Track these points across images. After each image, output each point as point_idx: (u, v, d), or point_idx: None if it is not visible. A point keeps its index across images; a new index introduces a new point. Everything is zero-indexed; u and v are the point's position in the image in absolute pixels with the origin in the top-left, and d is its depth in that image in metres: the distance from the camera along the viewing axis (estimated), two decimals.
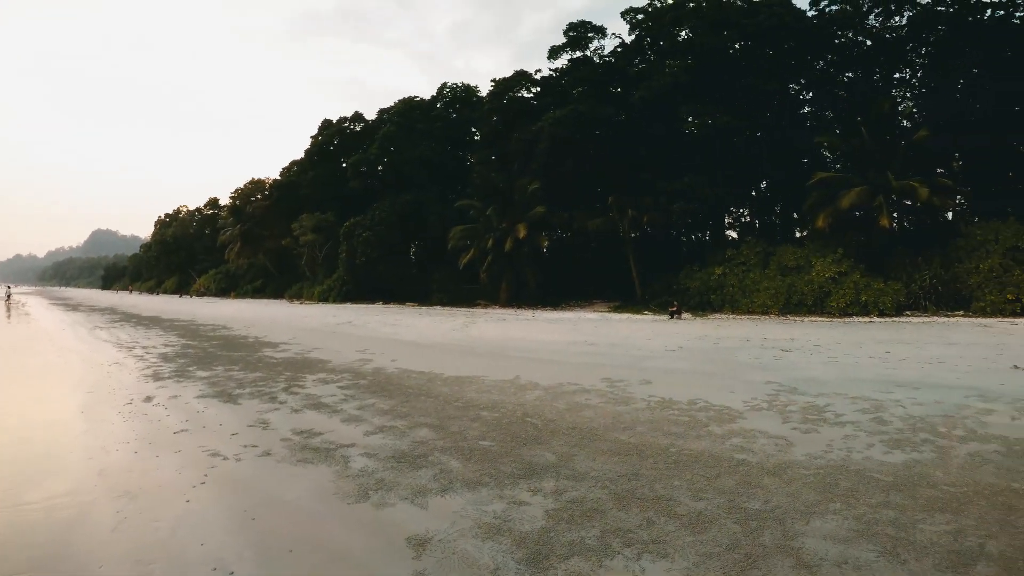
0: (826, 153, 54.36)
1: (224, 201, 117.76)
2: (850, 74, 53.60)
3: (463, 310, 55.69)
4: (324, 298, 77.12)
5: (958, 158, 51.54)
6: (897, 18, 53.75)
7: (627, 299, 53.83)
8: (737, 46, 53.97)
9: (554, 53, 63.31)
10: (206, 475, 8.98)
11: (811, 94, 56.31)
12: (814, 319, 39.25)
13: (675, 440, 10.71)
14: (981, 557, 6.29)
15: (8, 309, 65.58)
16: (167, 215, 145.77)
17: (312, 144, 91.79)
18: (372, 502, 7.86)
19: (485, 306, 59.62)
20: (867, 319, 37.95)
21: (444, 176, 74.18)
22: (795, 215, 56.44)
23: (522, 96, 65.80)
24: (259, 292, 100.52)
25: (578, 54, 62.74)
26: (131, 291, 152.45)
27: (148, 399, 14.63)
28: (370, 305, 66.49)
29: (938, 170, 46.65)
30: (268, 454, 10.04)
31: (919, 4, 52.38)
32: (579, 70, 60.61)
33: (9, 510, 7.81)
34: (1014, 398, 13.72)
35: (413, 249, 77.42)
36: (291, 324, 39.54)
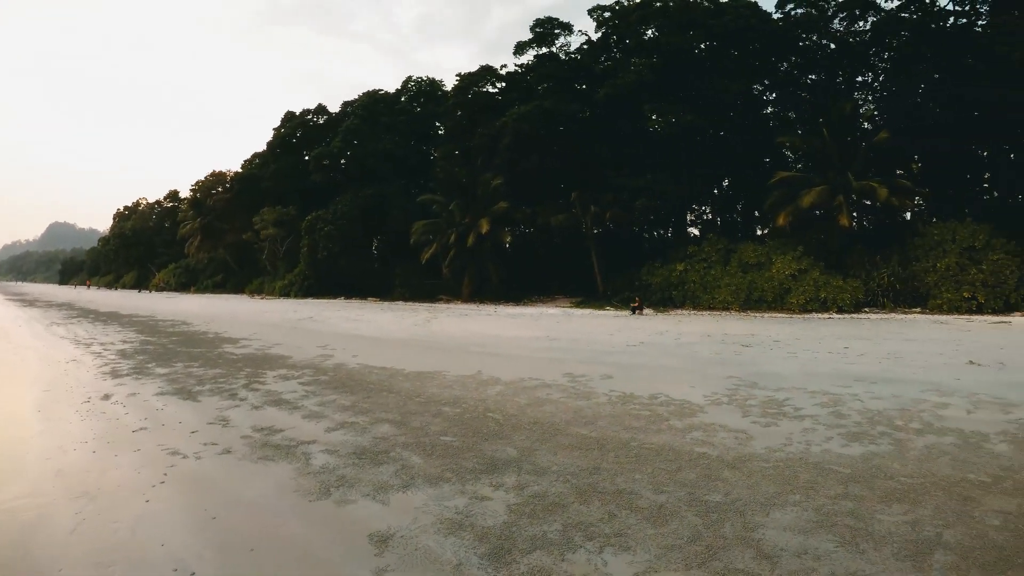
0: (788, 153, 54.70)
1: (184, 194, 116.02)
2: (813, 76, 53.95)
3: (425, 305, 55.59)
4: (285, 293, 76.37)
5: (917, 160, 52.33)
6: (861, 23, 54.38)
7: (589, 295, 53.89)
8: (703, 46, 53.98)
9: (520, 49, 62.86)
10: (166, 474, 8.83)
11: (775, 95, 56.67)
12: (774, 315, 39.47)
13: (636, 434, 10.77)
14: (938, 546, 6.37)
15: None
16: (126, 208, 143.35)
17: (274, 136, 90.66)
18: (334, 499, 7.79)
19: (447, 301, 59.33)
20: (826, 315, 38.21)
21: (407, 170, 73.31)
22: (756, 213, 56.74)
23: (487, 91, 65.21)
24: (219, 287, 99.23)
25: (544, 50, 62.30)
26: (89, 286, 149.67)
27: (106, 397, 14.33)
28: (332, 300, 66.13)
29: (897, 171, 47.31)
30: (228, 452, 9.90)
31: (883, 10, 53.07)
32: (545, 66, 60.30)
33: None
34: (969, 392, 13.91)
35: (375, 244, 76.55)
36: (252, 319, 39.14)
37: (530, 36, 62.49)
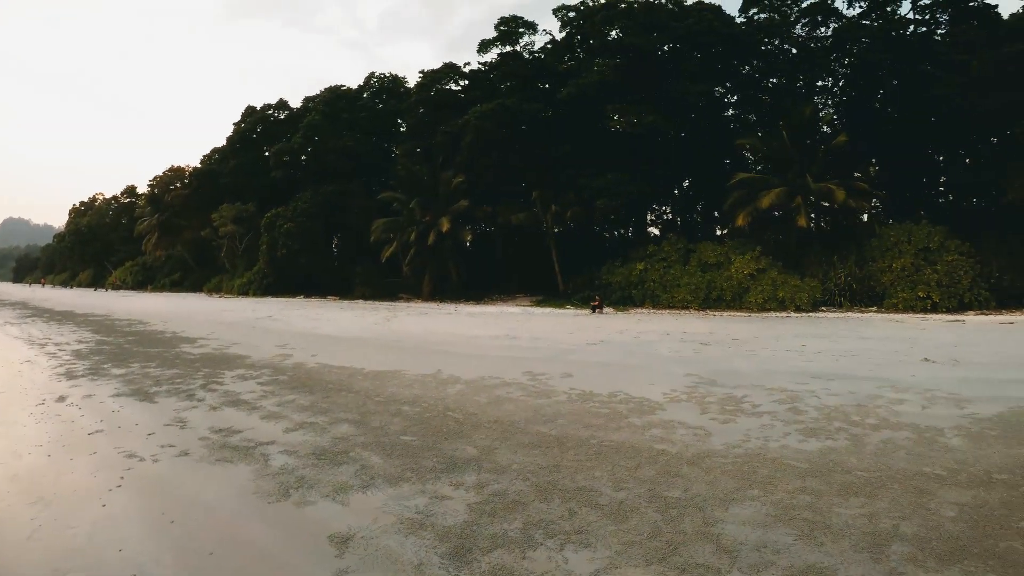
0: (748, 155, 54.84)
1: (142, 189, 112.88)
2: (774, 80, 54.25)
3: (385, 304, 55.18)
4: (244, 291, 75.01)
5: (875, 163, 53.23)
6: (822, 29, 55.36)
7: (550, 293, 53.83)
8: (666, 48, 53.90)
9: (484, 47, 62.40)
10: (123, 477, 8.63)
11: (736, 97, 56.89)
12: (733, 314, 39.70)
13: (596, 432, 10.83)
14: (895, 538, 6.48)
15: None
16: (82, 203, 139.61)
17: (234, 131, 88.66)
18: (293, 500, 7.71)
19: (407, 300, 58.88)
20: (784, 314, 38.49)
21: (369, 168, 72.37)
22: (716, 213, 56.92)
23: (450, 89, 64.46)
24: (177, 285, 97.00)
25: (508, 49, 61.77)
26: (44, 284, 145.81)
27: (61, 399, 13.98)
28: (291, 299, 65.21)
29: (855, 174, 47.75)
30: (186, 454, 9.74)
31: (844, 17, 54.11)
32: (508, 65, 59.95)
33: None
34: (924, 388, 14.21)
35: (335, 241, 75.28)
36: (210, 318, 38.48)
37: (494, 34, 62.27)
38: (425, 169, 60.11)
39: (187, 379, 16.38)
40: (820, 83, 55.99)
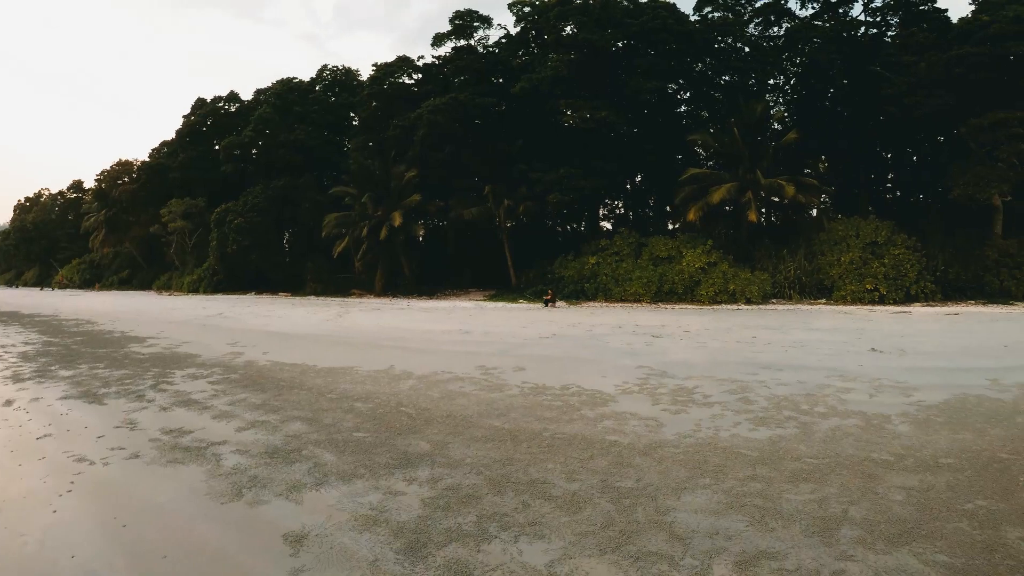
0: (700, 150, 55.19)
1: (89, 184, 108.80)
2: (727, 77, 54.27)
3: (337, 300, 54.80)
4: (194, 289, 73.28)
5: (824, 160, 54.24)
6: (775, 28, 56.11)
7: (502, 288, 53.71)
8: (620, 44, 53.73)
9: (438, 40, 61.80)
10: (73, 482, 8.34)
11: (688, 94, 57.08)
12: (684, 307, 40.08)
13: (548, 424, 10.80)
14: (845, 522, 6.59)
15: None
16: (27, 199, 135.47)
17: (184, 124, 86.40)
18: (246, 500, 7.57)
19: (360, 295, 58.33)
20: (735, 307, 39.12)
21: (321, 162, 71.28)
22: (668, 208, 56.94)
23: (403, 82, 63.46)
24: (126, 283, 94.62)
25: (463, 43, 61.20)
26: None
27: (8, 403, 13.45)
28: (242, 296, 64.09)
29: (805, 170, 48.53)
30: (137, 456, 9.44)
31: (797, 17, 54.82)
32: (462, 59, 59.49)
33: None
34: (872, 377, 14.48)
35: (287, 237, 73.97)
36: (159, 317, 37.63)
37: (449, 28, 61.90)
38: (377, 163, 59.23)
39: (137, 380, 15.89)
40: (772, 81, 56.60)
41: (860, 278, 39.53)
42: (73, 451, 9.79)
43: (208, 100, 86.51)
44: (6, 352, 22.42)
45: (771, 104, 54.88)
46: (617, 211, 65.00)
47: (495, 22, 62.01)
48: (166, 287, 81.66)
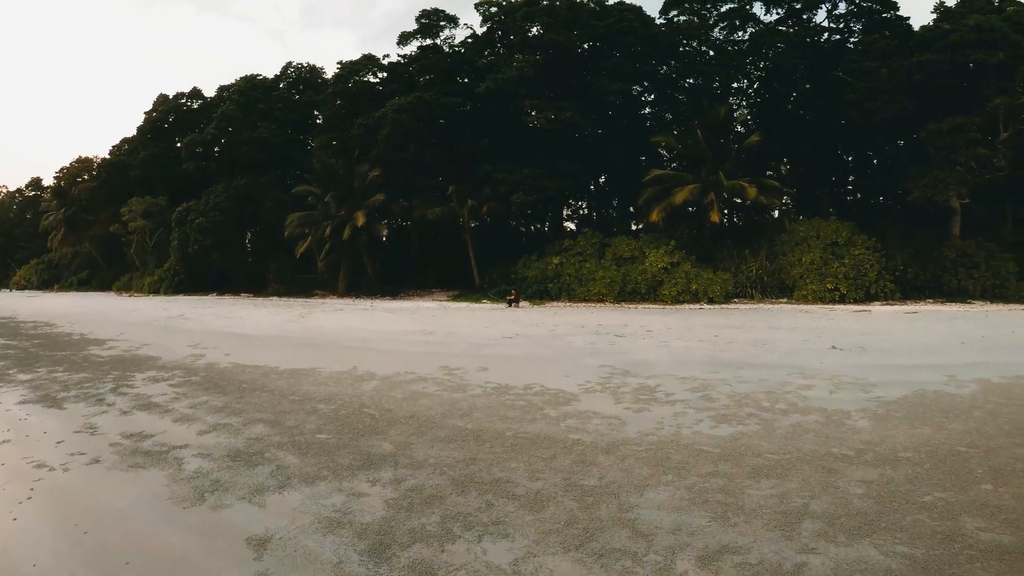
0: (663, 152, 55.35)
1: (48, 181, 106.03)
2: (691, 80, 54.36)
3: (300, 300, 54.01)
4: (155, 290, 71.45)
5: (786, 162, 54.95)
6: (740, 33, 56.60)
7: (466, 288, 53.40)
8: (586, 46, 53.61)
9: (404, 39, 61.21)
10: (32, 489, 8.14)
11: (653, 96, 57.36)
12: (647, 306, 40.18)
13: (512, 424, 10.78)
14: (806, 516, 6.66)
15: None
16: None
17: (145, 121, 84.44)
18: (208, 504, 7.47)
19: (323, 296, 57.51)
20: (698, 306, 39.37)
21: (284, 160, 70.00)
22: (631, 209, 56.92)
23: (368, 81, 62.88)
24: (85, 284, 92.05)
25: (429, 42, 60.60)
26: None
27: None
28: (204, 296, 62.82)
29: (767, 172, 49.11)
30: (97, 461, 9.21)
31: (761, 22, 55.38)
32: (428, 58, 59.01)
33: None
34: (832, 374, 14.64)
35: (249, 237, 72.84)
36: (119, 319, 36.75)
37: (415, 27, 61.56)
38: (341, 162, 58.43)
39: (96, 383, 15.45)
40: (736, 85, 57.32)
41: (821, 278, 40.09)
42: (32, 457, 9.53)
43: (170, 96, 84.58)
44: None
45: (735, 107, 55.27)
46: (581, 211, 65.26)
47: (462, 22, 61.84)
48: (126, 288, 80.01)
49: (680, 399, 12.34)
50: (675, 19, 56.43)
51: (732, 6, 56.04)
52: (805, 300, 39.70)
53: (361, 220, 52.95)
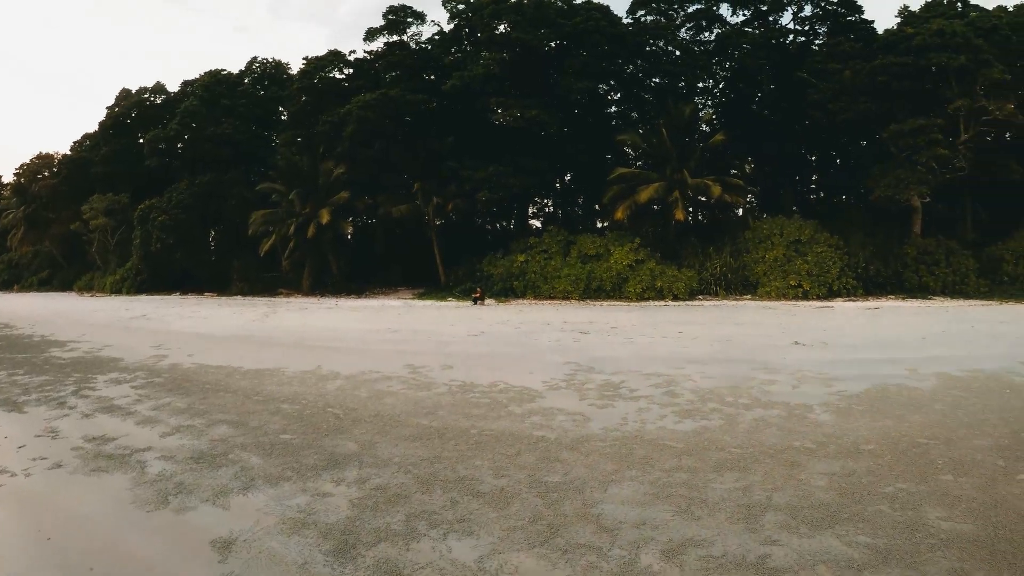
0: (629, 150, 55.28)
1: (7, 178, 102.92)
2: (657, 80, 54.52)
3: (264, 299, 53.06)
4: (117, 289, 69.33)
5: (751, 161, 55.45)
6: (707, 33, 57.00)
7: (432, 286, 52.88)
8: (553, 44, 53.38)
9: (371, 35, 60.25)
10: None
11: (619, 95, 57.60)
12: (613, 303, 39.96)
13: (476, 422, 10.82)
14: (769, 508, 6.77)
15: None
16: None
17: (107, 116, 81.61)
18: (172, 507, 7.40)
19: (287, 295, 56.43)
20: (662, 303, 39.47)
21: (248, 157, 68.58)
22: (597, 207, 57.20)
23: (334, 77, 61.52)
24: (46, 284, 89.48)
25: (395, 38, 59.75)
26: None
27: None
28: (167, 296, 61.45)
29: (732, 171, 49.44)
30: (59, 466, 9.11)
31: (728, 23, 55.82)
32: (395, 54, 58.24)
33: None
34: (795, 369, 14.78)
35: (213, 235, 71.16)
36: (81, 319, 36.01)
37: (382, 23, 61.12)
38: (306, 159, 57.28)
39: (58, 386, 15.26)
40: (701, 84, 57.48)
41: (784, 274, 40.51)
42: None
43: (133, 91, 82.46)
44: None
45: (700, 106, 55.27)
46: (546, 209, 65.15)
47: (429, 18, 61.36)
48: (88, 288, 78.20)
49: (644, 395, 12.39)
50: (642, 19, 56.39)
51: (699, 7, 56.38)
52: (769, 297, 40.02)
53: (326, 218, 52.38)
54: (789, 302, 37.88)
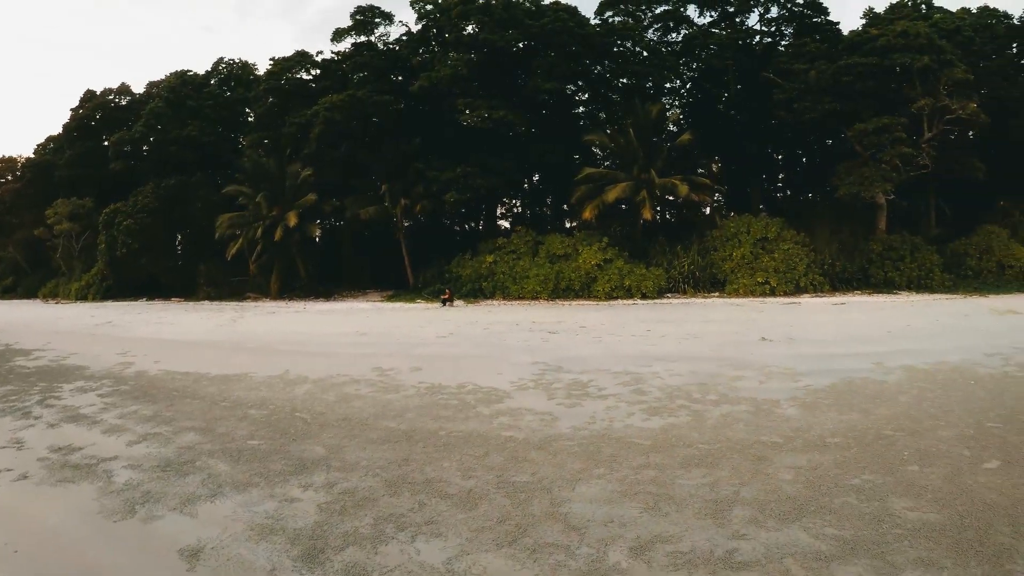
0: (596, 151, 55.56)
1: None
2: (625, 80, 54.55)
3: (232, 304, 51.92)
4: (83, 296, 67.30)
5: (717, 160, 55.78)
6: (674, 34, 57.16)
7: (400, 288, 52.21)
8: (521, 45, 53.11)
9: (339, 35, 59.56)
10: None
11: (587, 95, 57.64)
12: (581, 303, 40.03)
13: (444, 423, 10.83)
14: (736, 503, 6.84)
15: None
16: None
17: (72, 118, 79.40)
18: (139, 517, 7.31)
19: (255, 299, 55.35)
20: (631, 302, 39.54)
21: (215, 160, 67.01)
22: (565, 207, 56.91)
23: (301, 78, 60.64)
24: (9, 291, 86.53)
25: (363, 39, 59.05)
26: None
27: None
28: (133, 302, 59.64)
29: (699, 170, 49.71)
30: (25, 477, 9.00)
31: (695, 24, 56.09)
32: (362, 55, 57.70)
33: None
34: (762, 365, 14.99)
35: (179, 239, 69.62)
36: (46, 327, 35.33)
37: (350, 23, 60.89)
38: (272, 161, 56.29)
39: (22, 395, 15.04)
40: (669, 85, 57.62)
41: (752, 272, 40.92)
42: None
43: (98, 93, 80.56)
44: None
45: (667, 106, 55.53)
46: (515, 210, 64.95)
47: (397, 19, 60.54)
48: (52, 294, 76.49)
49: (612, 393, 12.50)
50: (610, 20, 56.12)
51: (666, 8, 56.55)
52: (737, 294, 40.37)
53: (293, 220, 51.79)
54: (757, 299, 38.18)
